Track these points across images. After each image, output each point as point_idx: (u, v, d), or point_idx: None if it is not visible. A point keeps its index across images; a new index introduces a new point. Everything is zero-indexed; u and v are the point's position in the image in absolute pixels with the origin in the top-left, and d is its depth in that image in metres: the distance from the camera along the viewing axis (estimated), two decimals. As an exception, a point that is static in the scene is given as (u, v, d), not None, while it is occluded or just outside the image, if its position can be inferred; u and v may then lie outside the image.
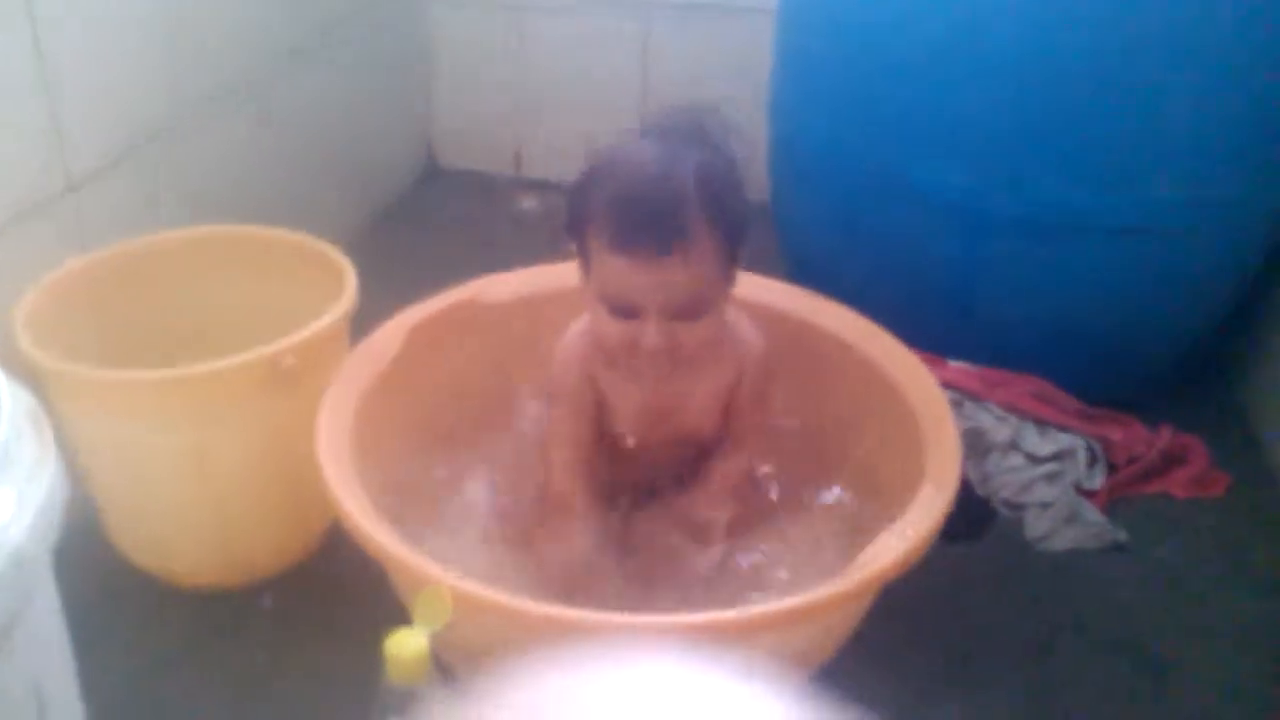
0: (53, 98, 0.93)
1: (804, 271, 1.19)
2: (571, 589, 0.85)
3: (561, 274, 1.07)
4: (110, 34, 1.00)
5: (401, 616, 0.70)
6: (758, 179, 1.67)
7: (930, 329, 1.06)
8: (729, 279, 0.82)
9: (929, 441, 0.86)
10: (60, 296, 0.92)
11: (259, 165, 1.28)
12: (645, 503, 0.95)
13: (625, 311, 0.78)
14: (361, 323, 0.96)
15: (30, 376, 0.75)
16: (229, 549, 0.94)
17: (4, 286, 0.88)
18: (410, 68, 1.69)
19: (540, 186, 1.74)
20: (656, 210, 0.74)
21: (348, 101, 1.47)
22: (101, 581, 0.96)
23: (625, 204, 0.75)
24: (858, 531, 0.92)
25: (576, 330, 0.90)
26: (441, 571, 0.71)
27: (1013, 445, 1.08)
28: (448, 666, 0.76)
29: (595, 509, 0.91)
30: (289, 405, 0.87)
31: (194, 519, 0.92)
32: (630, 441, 0.91)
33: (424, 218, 1.66)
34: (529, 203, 1.70)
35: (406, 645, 0.67)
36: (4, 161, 0.90)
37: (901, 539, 0.75)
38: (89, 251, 0.96)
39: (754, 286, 1.05)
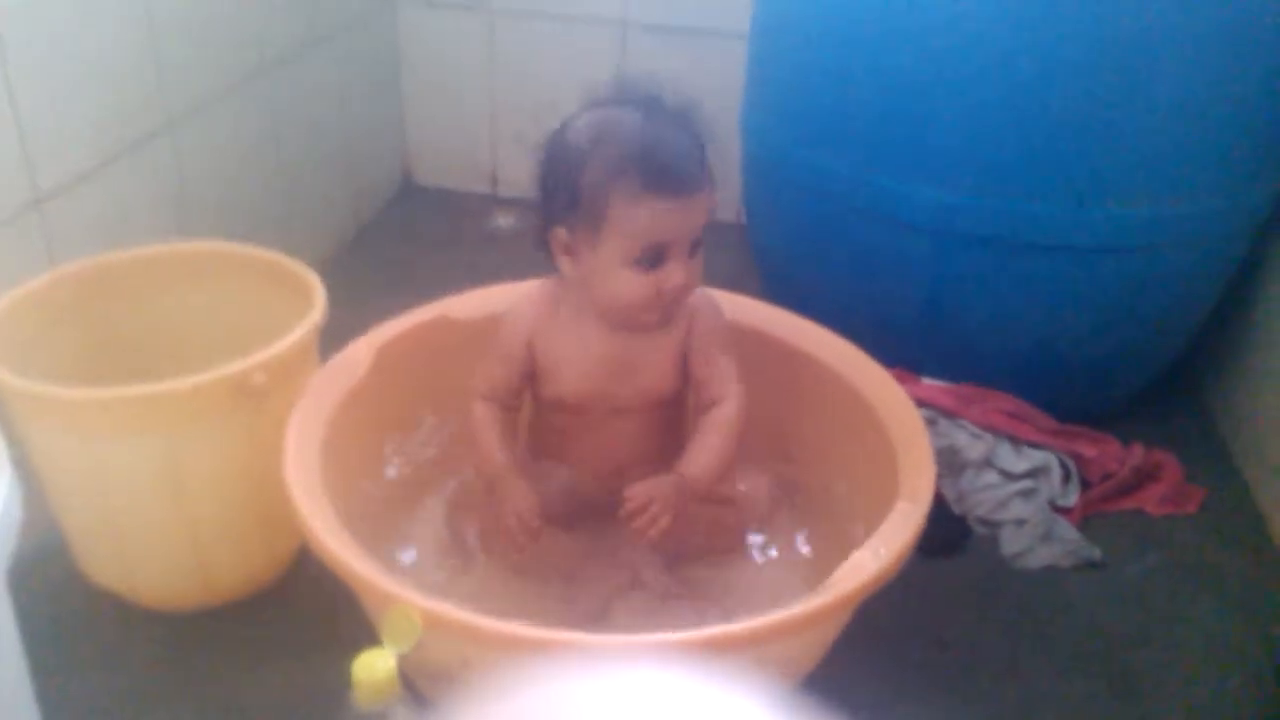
0: (18, 110, 0.92)
1: (778, 290, 1.20)
2: (527, 550, 0.87)
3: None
4: (78, 47, 0.99)
5: (373, 638, 0.69)
6: (731, 199, 1.69)
7: (903, 346, 1.06)
8: None
9: (902, 458, 0.85)
10: (25, 313, 0.90)
11: (232, 182, 1.27)
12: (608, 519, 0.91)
13: (652, 259, 0.81)
14: (336, 340, 0.95)
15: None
16: (198, 568, 0.92)
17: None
18: (384, 87, 1.69)
19: (516, 205, 1.74)
20: (683, 151, 0.81)
21: (322, 119, 1.47)
22: (66, 605, 0.94)
23: (651, 150, 0.79)
24: (829, 549, 0.92)
25: (528, 294, 0.91)
26: (409, 591, 0.70)
27: (987, 462, 1.08)
28: (417, 688, 0.75)
29: (529, 471, 0.91)
30: (258, 422, 0.86)
31: (162, 538, 0.90)
32: (586, 404, 0.90)
33: (399, 235, 1.65)
34: (505, 220, 1.69)
35: (375, 666, 0.66)
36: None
37: (876, 556, 0.74)
38: (55, 267, 0.95)
39: (728, 304, 1.05)
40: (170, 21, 1.10)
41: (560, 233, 0.84)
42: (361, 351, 0.95)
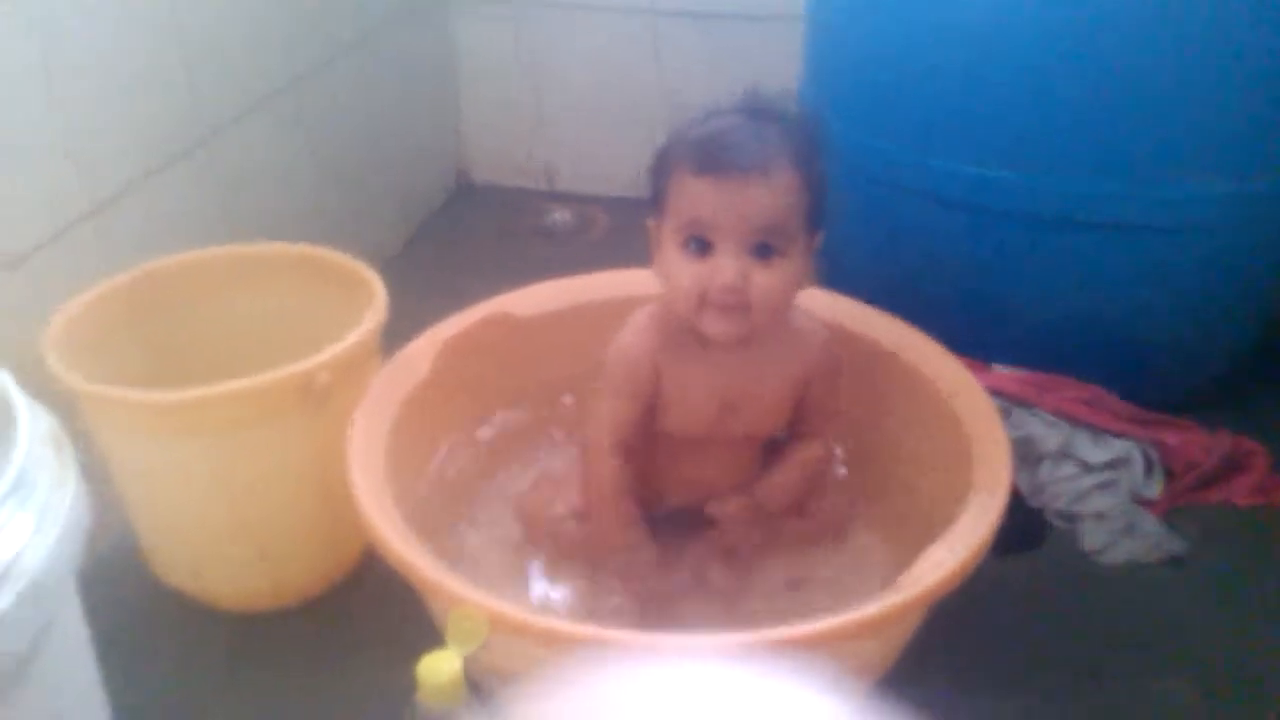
0: (68, 119, 0.93)
1: (836, 277, 1.16)
2: (640, 591, 0.86)
3: (592, 286, 1.06)
4: (123, 54, 0.99)
5: (438, 639, 0.68)
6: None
7: (972, 335, 1.03)
8: (807, 235, 0.81)
9: (977, 450, 0.82)
10: (90, 318, 0.91)
11: (289, 185, 1.27)
12: (690, 533, 0.91)
13: (701, 244, 0.78)
14: (395, 340, 0.94)
15: (62, 399, 0.75)
16: (264, 569, 0.93)
17: (33, 313, 0.88)
18: (437, 86, 1.69)
19: (572, 200, 1.73)
20: (743, 137, 0.77)
21: (377, 119, 1.47)
22: (137, 604, 0.95)
23: (713, 133, 0.78)
24: (904, 548, 0.89)
25: (639, 321, 0.87)
26: (475, 593, 0.69)
27: (1065, 453, 1.04)
28: (482, 688, 0.74)
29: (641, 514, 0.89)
30: (321, 423, 0.86)
31: (227, 539, 0.91)
32: (695, 435, 0.88)
33: (455, 234, 1.65)
34: (561, 216, 1.69)
35: (440, 667, 0.65)
36: (23, 188, 0.89)
37: (952, 552, 0.72)
38: (116, 274, 0.96)
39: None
40: (220, 29, 1.11)
41: (650, 224, 0.84)
42: (423, 349, 0.94)
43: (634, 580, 0.87)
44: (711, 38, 1.59)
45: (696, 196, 0.77)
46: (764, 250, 0.78)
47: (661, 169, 0.81)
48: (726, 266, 0.77)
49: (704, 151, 0.77)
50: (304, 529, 0.92)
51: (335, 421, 0.84)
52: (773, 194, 0.76)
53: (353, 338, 0.87)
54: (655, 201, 0.82)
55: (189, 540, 0.92)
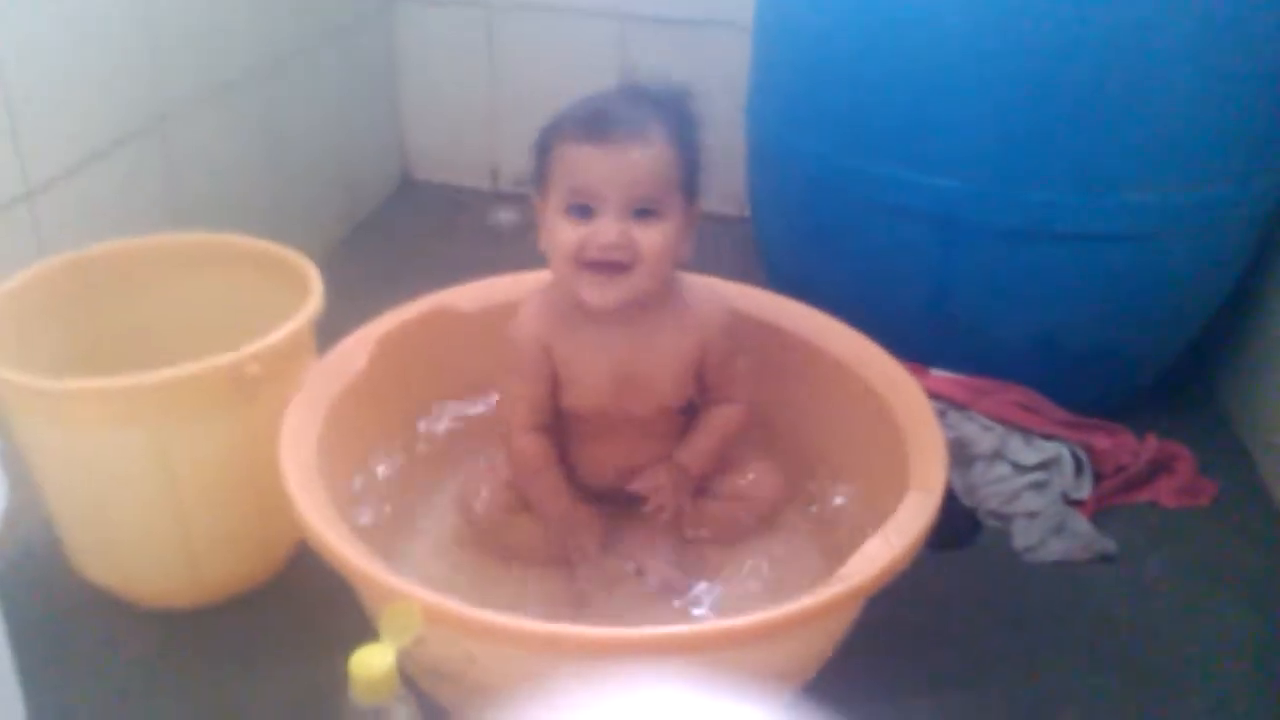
0: (10, 99, 0.90)
1: (783, 283, 1.18)
2: (568, 549, 0.89)
3: (536, 283, 1.05)
4: (74, 36, 0.97)
5: (372, 635, 0.67)
6: (734, 193, 1.68)
7: (911, 338, 1.04)
8: (686, 204, 0.84)
9: (912, 448, 0.83)
10: (16, 306, 0.88)
11: (225, 179, 1.25)
12: (624, 521, 0.93)
13: (583, 209, 0.81)
14: (332, 336, 0.93)
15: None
16: (191, 564, 0.90)
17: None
18: (381, 83, 1.68)
19: (518, 200, 1.72)
20: (621, 108, 0.82)
21: (317, 116, 1.45)
22: (57, 601, 0.92)
23: (593, 105, 0.83)
24: (837, 542, 0.90)
25: (530, 303, 0.90)
26: (407, 584, 0.68)
27: (998, 454, 1.06)
28: (415, 683, 0.73)
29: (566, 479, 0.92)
30: (252, 415, 0.84)
31: (154, 533, 0.88)
32: (598, 412, 0.90)
33: (397, 231, 1.64)
34: (506, 215, 1.67)
35: (372, 662, 0.64)
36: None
37: (888, 545, 0.72)
38: (45, 259, 0.93)
39: (735, 295, 1.03)
40: (167, 18, 1.09)
41: (536, 203, 0.86)
42: (360, 343, 0.93)
43: (579, 548, 0.88)
44: (678, 44, 1.60)
45: (578, 164, 0.81)
46: (643, 213, 0.81)
47: (545, 145, 0.84)
48: (608, 226, 0.80)
49: (585, 123, 0.81)
50: (231, 524, 0.90)
51: (266, 415, 0.83)
52: (650, 159, 0.80)
53: (285, 329, 0.85)
54: (539, 178, 0.85)
55: (111, 534, 0.89)
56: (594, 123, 0.81)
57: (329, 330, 0.93)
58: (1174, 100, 0.99)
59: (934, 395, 1.05)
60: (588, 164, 0.80)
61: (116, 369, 0.82)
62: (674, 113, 0.83)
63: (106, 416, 0.82)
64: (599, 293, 0.82)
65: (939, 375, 1.12)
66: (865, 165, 1.09)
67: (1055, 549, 1.01)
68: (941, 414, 1.05)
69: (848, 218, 1.14)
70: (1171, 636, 0.95)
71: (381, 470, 0.95)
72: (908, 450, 0.83)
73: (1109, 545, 1.03)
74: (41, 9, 0.93)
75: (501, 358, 0.91)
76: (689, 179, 0.84)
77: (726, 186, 1.67)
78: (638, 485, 0.90)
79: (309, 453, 0.80)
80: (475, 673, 0.71)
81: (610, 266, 0.81)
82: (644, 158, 0.80)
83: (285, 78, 1.34)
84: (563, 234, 0.82)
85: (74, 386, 0.80)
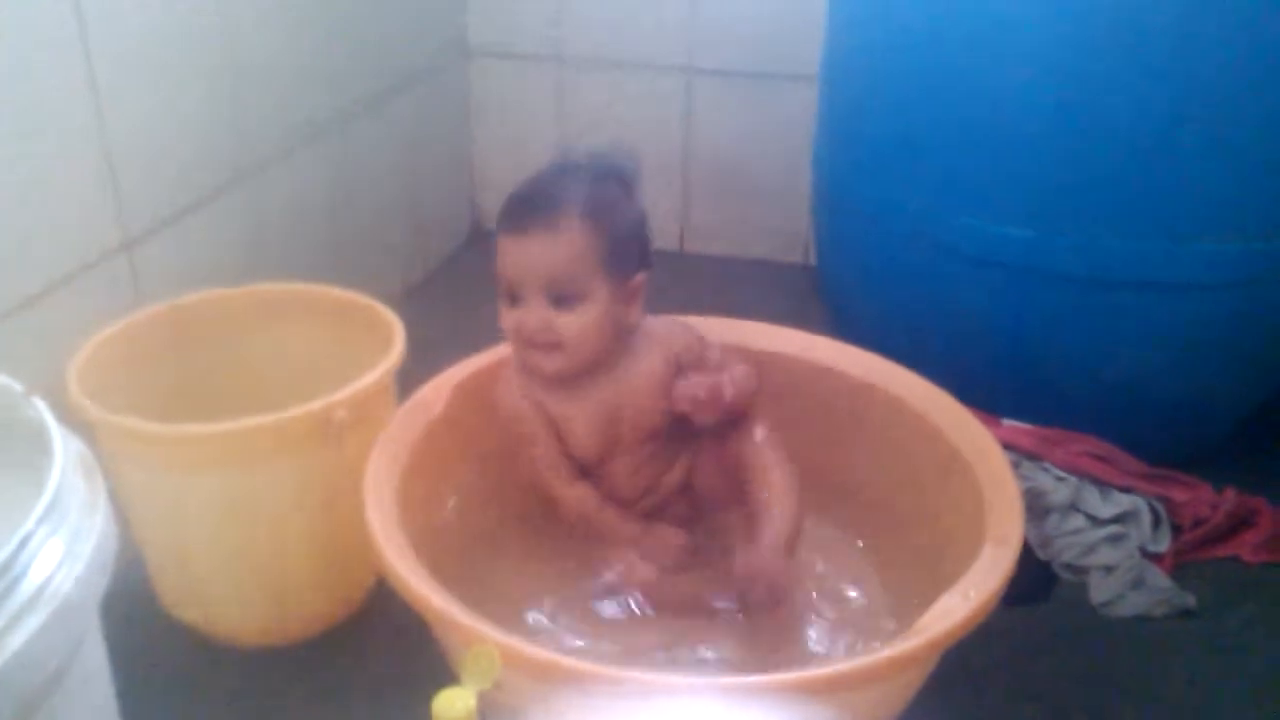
0: (110, 153, 0.95)
1: (849, 329, 1.18)
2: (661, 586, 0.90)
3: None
4: (166, 91, 1.02)
5: (448, 675, 0.68)
6: (797, 241, 1.69)
7: (981, 387, 1.03)
8: (612, 281, 0.86)
9: (989, 500, 0.83)
10: (114, 351, 0.92)
11: (309, 224, 1.29)
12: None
13: (513, 296, 0.86)
14: (408, 383, 0.95)
15: (81, 429, 0.76)
16: (273, 605, 0.93)
17: (61, 343, 0.89)
18: (454, 135, 1.72)
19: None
20: (537, 196, 0.86)
21: (392, 168, 1.50)
22: (145, 636, 0.95)
23: (517, 194, 0.87)
24: (911, 597, 0.89)
25: (507, 375, 0.93)
26: (489, 629, 0.69)
27: (1073, 506, 1.05)
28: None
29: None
30: (334, 461, 0.87)
31: (237, 574, 0.91)
32: (603, 451, 0.92)
33: (467, 280, 1.67)
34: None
35: (454, 704, 0.65)
36: (58, 218, 0.91)
37: (965, 600, 0.72)
38: (143, 308, 0.97)
39: (800, 343, 1.04)
40: (250, 73, 1.14)
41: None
42: (438, 390, 0.95)
43: (661, 553, 0.91)
44: (744, 96, 1.63)
45: (503, 254, 0.86)
46: (562, 299, 0.85)
47: (494, 231, 0.88)
48: (528, 315, 0.85)
49: (507, 213, 0.86)
50: (312, 568, 0.92)
51: (348, 461, 0.85)
52: (562, 248, 0.84)
53: (370, 376, 0.88)
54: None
55: (197, 573, 0.92)
56: (512, 214, 0.86)
57: (405, 373, 0.95)
58: (1259, 148, 0.98)
59: (1006, 445, 1.04)
60: (507, 254, 0.85)
61: (206, 416, 0.85)
62: (596, 192, 0.86)
63: (196, 460, 0.85)
64: (542, 365, 0.87)
65: (1010, 425, 1.11)
66: (937, 214, 1.09)
67: (1134, 604, 0.99)
68: (1014, 465, 1.04)
69: (918, 266, 1.14)
70: (1256, 696, 0.92)
71: (457, 509, 0.97)
72: (984, 503, 0.82)
73: (1189, 600, 1.00)
74: (136, 66, 0.98)
75: (506, 437, 0.93)
76: (613, 257, 0.85)
77: (790, 234, 1.70)
78: (742, 580, 0.86)
79: (391, 496, 0.82)
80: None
81: (544, 345, 0.86)
82: (555, 248, 0.84)
83: (360, 129, 1.38)
84: (503, 318, 0.88)
85: (165, 430, 0.82)
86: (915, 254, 1.13)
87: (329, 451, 0.86)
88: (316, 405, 0.84)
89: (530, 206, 0.85)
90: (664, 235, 1.77)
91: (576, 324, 0.85)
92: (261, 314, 1.03)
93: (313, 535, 0.90)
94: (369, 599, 0.98)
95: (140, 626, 0.95)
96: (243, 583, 0.91)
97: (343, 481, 0.84)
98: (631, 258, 0.88)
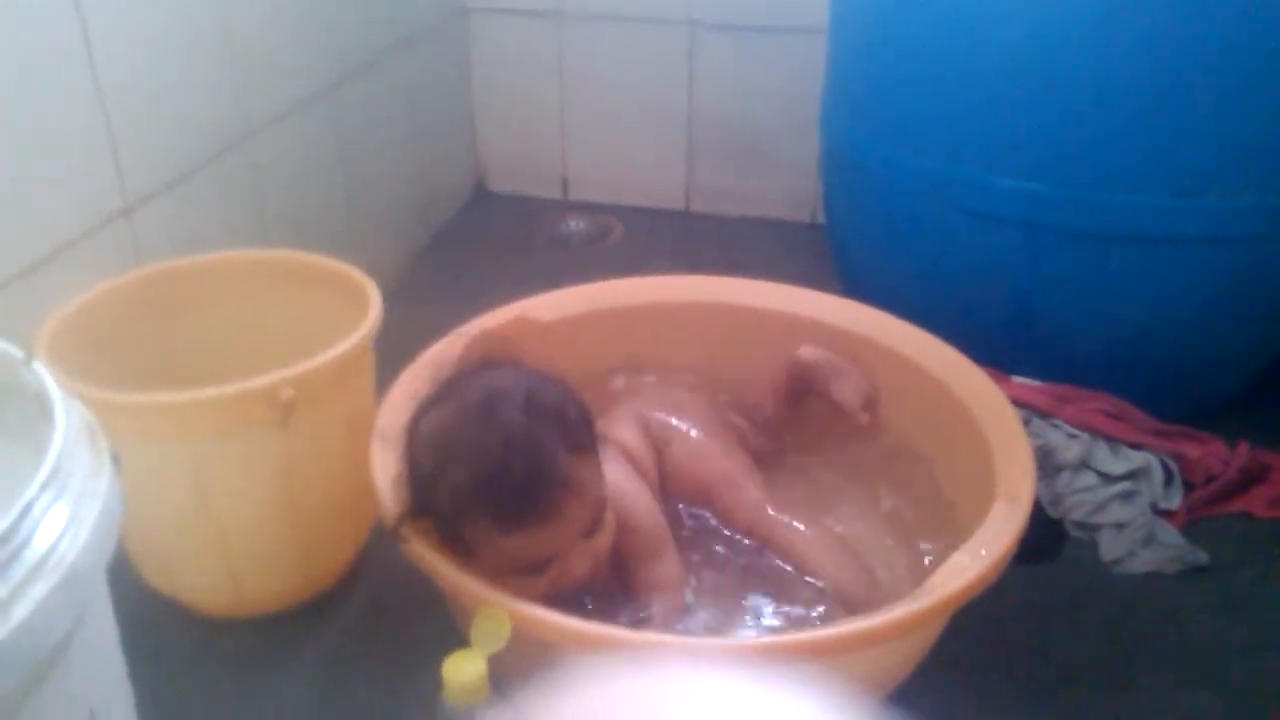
0: (109, 117, 0.94)
1: (858, 288, 1.17)
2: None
3: (610, 292, 1.06)
4: (164, 57, 1.00)
5: (421, 656, 0.68)
6: (807, 199, 1.67)
7: (992, 344, 1.03)
8: (599, 482, 0.78)
9: (999, 458, 0.82)
10: (85, 320, 0.89)
11: (306, 192, 1.28)
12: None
13: (534, 568, 0.76)
14: (409, 344, 0.94)
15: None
16: (229, 579, 0.91)
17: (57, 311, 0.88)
18: (455, 95, 1.70)
19: (587, 209, 1.74)
20: (523, 480, 0.73)
21: (393, 129, 1.48)
22: (124, 603, 0.94)
23: (489, 489, 0.73)
24: (921, 554, 0.89)
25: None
26: (498, 593, 0.69)
27: (1084, 464, 1.04)
28: (505, 689, 0.74)
29: None
30: (292, 436, 0.83)
31: (193, 546, 0.89)
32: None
33: (472, 241, 1.66)
34: (576, 224, 1.70)
35: (464, 667, 0.65)
36: (59, 185, 0.90)
37: (975, 559, 0.72)
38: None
39: (811, 302, 1.03)
40: (247, 38, 1.12)
41: (431, 531, 0.77)
42: (451, 346, 0.95)
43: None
44: (748, 50, 1.60)
45: (516, 550, 0.74)
46: (587, 533, 0.77)
47: (451, 522, 0.75)
48: (573, 566, 0.76)
49: (498, 513, 0.73)
50: (268, 543, 0.90)
51: (308, 438, 0.83)
52: (579, 506, 0.75)
53: (324, 356, 0.84)
54: (441, 529, 0.76)
55: (157, 543, 0.90)
56: (502, 512, 0.73)
57: (406, 335, 0.94)
58: (1262, 100, 0.96)
59: (1016, 403, 1.03)
60: (527, 546, 0.74)
61: (180, 385, 0.82)
62: (552, 426, 0.75)
63: (145, 430, 0.81)
64: (582, 575, 0.79)
65: (1021, 382, 1.10)
66: (946, 169, 1.08)
67: (1145, 561, 0.99)
68: (1025, 422, 1.04)
69: (927, 223, 1.13)
70: (1267, 650, 0.92)
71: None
72: (994, 459, 0.82)
73: (1200, 557, 1.00)
74: (135, 32, 0.96)
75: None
76: (593, 454, 0.78)
77: (798, 193, 1.68)
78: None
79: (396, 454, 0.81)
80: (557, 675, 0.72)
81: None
82: (568, 519, 0.74)
83: (360, 90, 1.36)
84: (530, 586, 0.74)
85: (110, 398, 0.77)
86: (924, 211, 1.12)
87: (280, 429, 0.82)
88: (259, 383, 0.80)
89: (519, 497, 0.72)
90: (669, 195, 1.75)
91: (608, 529, 0.79)
92: (246, 281, 0.99)
93: (264, 513, 0.87)
94: (344, 578, 0.97)
95: (120, 593, 0.94)
96: (195, 555, 0.89)
97: (299, 460, 0.82)
98: (593, 439, 0.79)
